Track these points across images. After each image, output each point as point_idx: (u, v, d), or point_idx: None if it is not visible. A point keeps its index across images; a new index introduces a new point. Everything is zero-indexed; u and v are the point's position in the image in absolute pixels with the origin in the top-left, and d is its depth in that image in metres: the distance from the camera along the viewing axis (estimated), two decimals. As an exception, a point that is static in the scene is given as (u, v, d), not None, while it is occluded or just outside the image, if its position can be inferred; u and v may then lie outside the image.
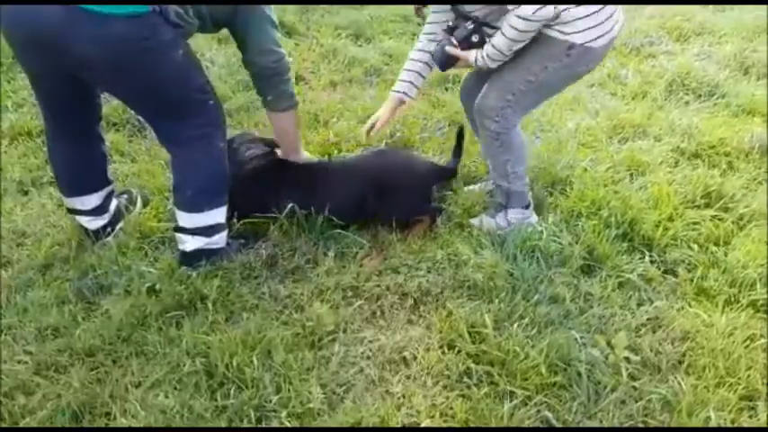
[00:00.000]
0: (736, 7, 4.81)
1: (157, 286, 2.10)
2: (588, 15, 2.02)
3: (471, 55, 2.15)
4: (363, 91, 3.69)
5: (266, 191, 2.36)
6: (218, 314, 2.01)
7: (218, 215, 2.19)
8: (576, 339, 1.87)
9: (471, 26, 2.12)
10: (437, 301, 2.08)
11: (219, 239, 2.22)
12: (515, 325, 1.92)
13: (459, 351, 1.86)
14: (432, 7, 2.36)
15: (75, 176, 2.32)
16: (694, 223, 2.39)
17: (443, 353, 1.87)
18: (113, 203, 2.44)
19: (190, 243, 2.18)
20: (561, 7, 1.97)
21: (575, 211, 2.45)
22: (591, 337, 1.90)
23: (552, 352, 1.82)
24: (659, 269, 2.21)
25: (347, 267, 2.22)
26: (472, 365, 1.81)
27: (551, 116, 3.35)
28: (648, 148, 2.97)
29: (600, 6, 2.03)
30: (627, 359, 1.82)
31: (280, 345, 1.86)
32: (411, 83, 2.41)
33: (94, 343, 1.90)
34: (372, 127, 2.45)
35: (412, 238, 2.37)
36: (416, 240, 2.35)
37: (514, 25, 1.99)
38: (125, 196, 2.58)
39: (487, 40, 2.11)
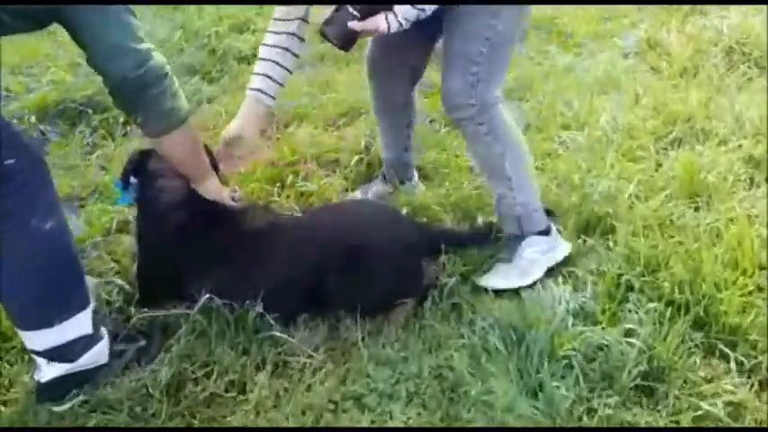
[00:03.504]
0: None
1: (-4, 445, 1.39)
2: None
3: (381, 22, 1.66)
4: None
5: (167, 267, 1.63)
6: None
7: (79, 325, 1.45)
8: None
9: None
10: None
11: (91, 358, 1.48)
12: None
13: None
14: None
15: None
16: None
17: None
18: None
19: (46, 371, 1.45)
20: None
21: (622, 280, 1.70)
22: None
23: None
24: (752, 387, 1.48)
25: (289, 393, 1.49)
26: None
27: (578, 106, 2.55)
28: (713, 158, 2.19)
29: None
30: None
31: None
32: (266, 75, 1.81)
33: None
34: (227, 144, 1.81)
35: (388, 329, 1.64)
36: (395, 332, 1.62)
37: None
38: None
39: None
